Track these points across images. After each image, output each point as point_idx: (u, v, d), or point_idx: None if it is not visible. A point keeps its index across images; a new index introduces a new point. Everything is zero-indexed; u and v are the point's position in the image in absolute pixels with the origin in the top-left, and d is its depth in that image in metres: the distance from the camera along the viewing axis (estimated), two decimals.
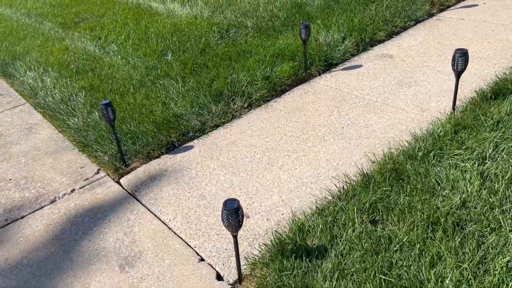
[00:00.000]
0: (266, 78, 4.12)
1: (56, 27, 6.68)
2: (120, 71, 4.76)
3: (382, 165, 2.68)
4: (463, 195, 2.33)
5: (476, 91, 3.39)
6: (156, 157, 3.40)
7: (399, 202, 2.36)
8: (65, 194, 3.23)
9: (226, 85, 4.05)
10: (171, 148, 3.50)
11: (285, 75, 4.13)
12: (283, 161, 3.09)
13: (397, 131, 3.20)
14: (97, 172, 3.42)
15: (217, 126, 3.67)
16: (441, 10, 5.29)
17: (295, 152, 3.16)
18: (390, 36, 4.75)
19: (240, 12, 5.87)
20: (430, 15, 5.17)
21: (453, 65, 2.99)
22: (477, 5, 5.33)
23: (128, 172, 3.29)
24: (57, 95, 4.46)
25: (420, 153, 2.72)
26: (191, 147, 3.45)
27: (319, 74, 4.24)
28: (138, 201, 2.98)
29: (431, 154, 2.70)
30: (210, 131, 3.61)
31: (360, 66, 4.27)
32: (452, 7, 5.37)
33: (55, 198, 3.17)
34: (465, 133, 2.80)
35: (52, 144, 3.90)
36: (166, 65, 4.72)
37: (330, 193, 2.64)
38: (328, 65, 4.32)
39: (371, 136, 3.20)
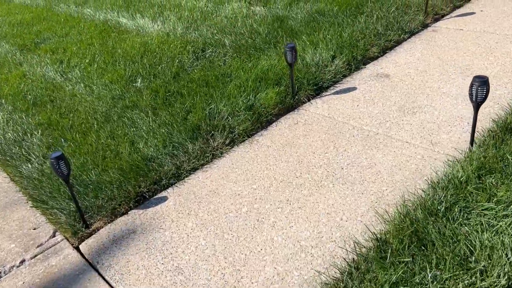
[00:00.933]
0: (249, 108, 3.61)
1: (14, 49, 6.06)
2: (83, 102, 4.20)
3: (397, 225, 2.19)
4: (506, 270, 1.86)
5: (494, 120, 2.94)
6: (123, 214, 2.85)
7: (424, 282, 1.87)
8: (12, 267, 2.65)
9: (204, 117, 3.52)
10: (141, 200, 2.95)
11: (270, 103, 3.62)
12: (275, 217, 2.57)
13: (406, 172, 2.73)
14: (53, 235, 2.85)
15: (195, 169, 3.14)
16: (436, 20, 4.86)
17: (289, 204, 2.66)
18: (383, 51, 4.29)
19: (216, 28, 5.36)
20: (425, 25, 4.74)
21: (471, 94, 2.52)
22: (474, 13, 4.92)
23: (90, 235, 2.74)
24: (9, 134, 3.87)
25: (441, 208, 2.24)
26: (165, 198, 2.91)
27: (309, 100, 3.75)
28: (101, 276, 2.42)
29: (456, 208, 2.22)
30: (187, 176, 3.08)
31: (354, 89, 3.79)
32: (447, 16, 4.95)
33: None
34: (492, 179, 2.34)
35: (2, 196, 3.31)
36: (135, 93, 4.18)
37: (336, 266, 2.13)
38: (318, 89, 3.83)
39: (376, 180, 2.71)
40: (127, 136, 3.48)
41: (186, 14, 6.07)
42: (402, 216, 2.25)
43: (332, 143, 3.13)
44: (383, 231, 2.24)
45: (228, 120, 3.49)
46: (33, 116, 4.12)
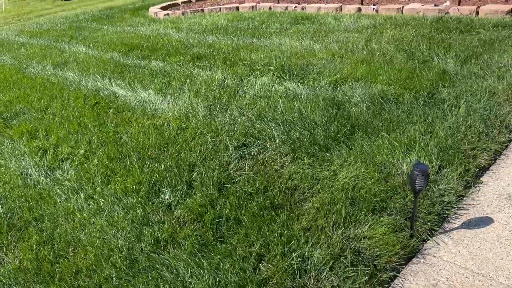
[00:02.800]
0: (354, 252, 2.42)
1: None
2: (88, 227, 2.86)
3: None
4: None
5: None
6: None
7: None
8: None
9: (286, 270, 2.30)
10: None
11: (384, 247, 2.46)
12: None
13: None
14: None
15: None
16: None
17: None
18: (494, 158, 3.29)
19: (251, 110, 4.23)
20: None
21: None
22: None
23: None
24: None
25: None
26: None
27: (431, 236, 2.63)
28: None
29: None
30: None
31: (489, 220, 2.71)
32: None
33: None
34: None
35: None
36: (164, 215, 2.90)
37: None
38: (439, 219, 2.73)
39: None
40: None
41: (203, 88, 4.92)
42: None
43: None
44: None
45: (325, 278, 2.28)
46: (8, 253, 2.73)
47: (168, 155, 3.60)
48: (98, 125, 4.34)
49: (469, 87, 4.10)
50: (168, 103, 4.71)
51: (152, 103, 4.79)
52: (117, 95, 5.14)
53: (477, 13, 6.77)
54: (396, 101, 4.07)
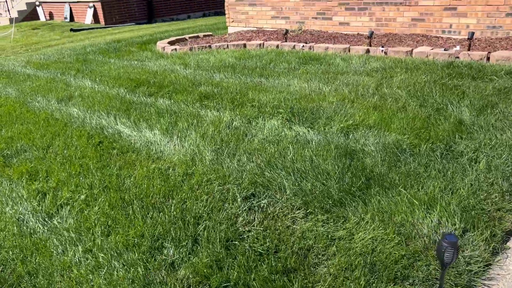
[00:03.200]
0: None
1: None
2: (84, 287, 2.65)
3: None
4: None
5: None
6: None
7: None
8: None
9: None
10: None
11: None
12: None
13: None
14: None
15: None
16: None
17: None
18: None
19: (260, 156, 4.07)
20: None
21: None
22: None
23: None
24: None
25: None
26: None
27: None
28: None
29: None
30: None
31: None
32: None
33: None
34: None
35: None
36: (167, 275, 2.69)
37: None
38: None
39: None
40: None
41: (211, 130, 4.78)
42: None
43: None
44: None
45: None
46: None
47: (172, 204, 3.42)
48: (100, 167, 4.18)
49: (488, 140, 3.95)
50: (174, 145, 4.56)
51: (158, 144, 4.64)
52: (121, 134, 5.00)
53: (488, 59, 6.71)
54: (411, 152, 3.91)
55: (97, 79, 7.73)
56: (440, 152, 3.86)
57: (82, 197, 3.68)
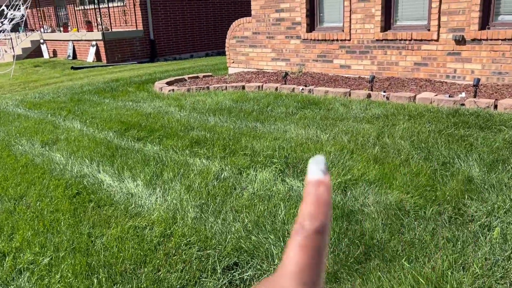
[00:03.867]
0: None
1: None
2: None
3: None
4: None
5: None
6: None
7: None
8: None
9: None
10: None
11: None
12: None
13: None
14: None
15: None
16: None
17: None
18: None
19: (247, 214, 3.67)
20: None
21: None
22: None
23: None
24: None
25: None
26: None
27: None
28: None
29: None
30: None
31: None
32: None
33: None
34: None
35: None
36: None
37: None
38: None
39: None
40: None
41: (197, 182, 4.41)
42: None
43: None
44: None
45: None
46: None
47: (144, 273, 3.00)
48: (72, 224, 3.78)
49: (502, 203, 3.54)
50: (156, 199, 4.18)
51: (139, 197, 4.26)
52: (102, 184, 4.63)
53: (496, 106, 6.39)
54: (416, 215, 3.51)
55: (87, 121, 7.45)
56: (448, 215, 3.45)
57: (46, 260, 3.27)
